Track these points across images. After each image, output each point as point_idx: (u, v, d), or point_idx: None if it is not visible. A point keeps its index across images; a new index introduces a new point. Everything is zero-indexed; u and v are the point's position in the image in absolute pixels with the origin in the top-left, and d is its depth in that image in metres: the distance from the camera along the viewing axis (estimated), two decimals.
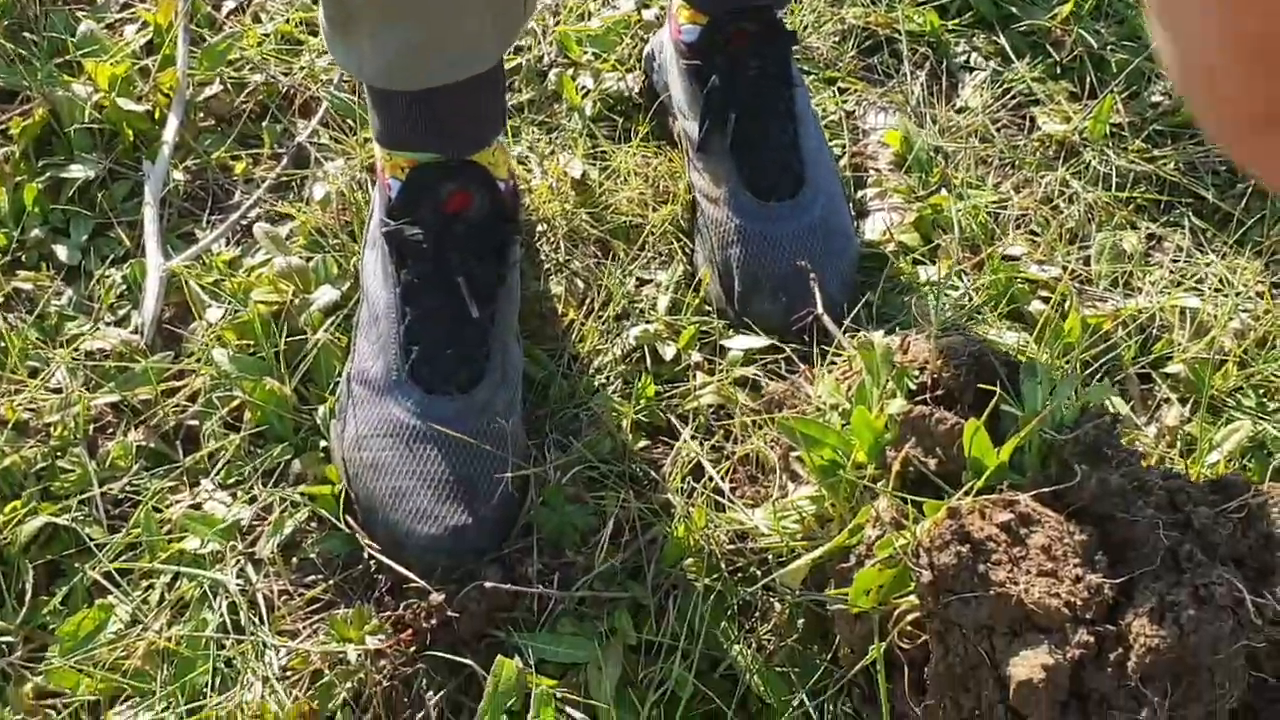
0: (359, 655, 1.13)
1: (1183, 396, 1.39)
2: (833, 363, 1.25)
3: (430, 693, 1.14)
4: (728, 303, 1.41)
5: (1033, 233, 1.54)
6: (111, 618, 1.17)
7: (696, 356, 1.39)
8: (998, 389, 1.07)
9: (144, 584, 1.21)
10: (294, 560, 1.22)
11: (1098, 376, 1.35)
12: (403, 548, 1.16)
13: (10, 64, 1.66)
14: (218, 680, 1.13)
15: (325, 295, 1.39)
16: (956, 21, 1.83)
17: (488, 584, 1.15)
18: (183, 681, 1.12)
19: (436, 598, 1.15)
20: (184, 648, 1.15)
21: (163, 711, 1.11)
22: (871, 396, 1.12)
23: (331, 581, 1.20)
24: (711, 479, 1.22)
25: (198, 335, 1.39)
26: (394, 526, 1.15)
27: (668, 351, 1.38)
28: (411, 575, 1.16)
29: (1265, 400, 1.40)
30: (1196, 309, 1.44)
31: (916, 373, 1.13)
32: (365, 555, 1.20)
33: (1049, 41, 1.82)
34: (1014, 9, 1.84)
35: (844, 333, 1.25)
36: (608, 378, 1.36)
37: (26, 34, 1.71)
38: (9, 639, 1.17)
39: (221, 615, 1.17)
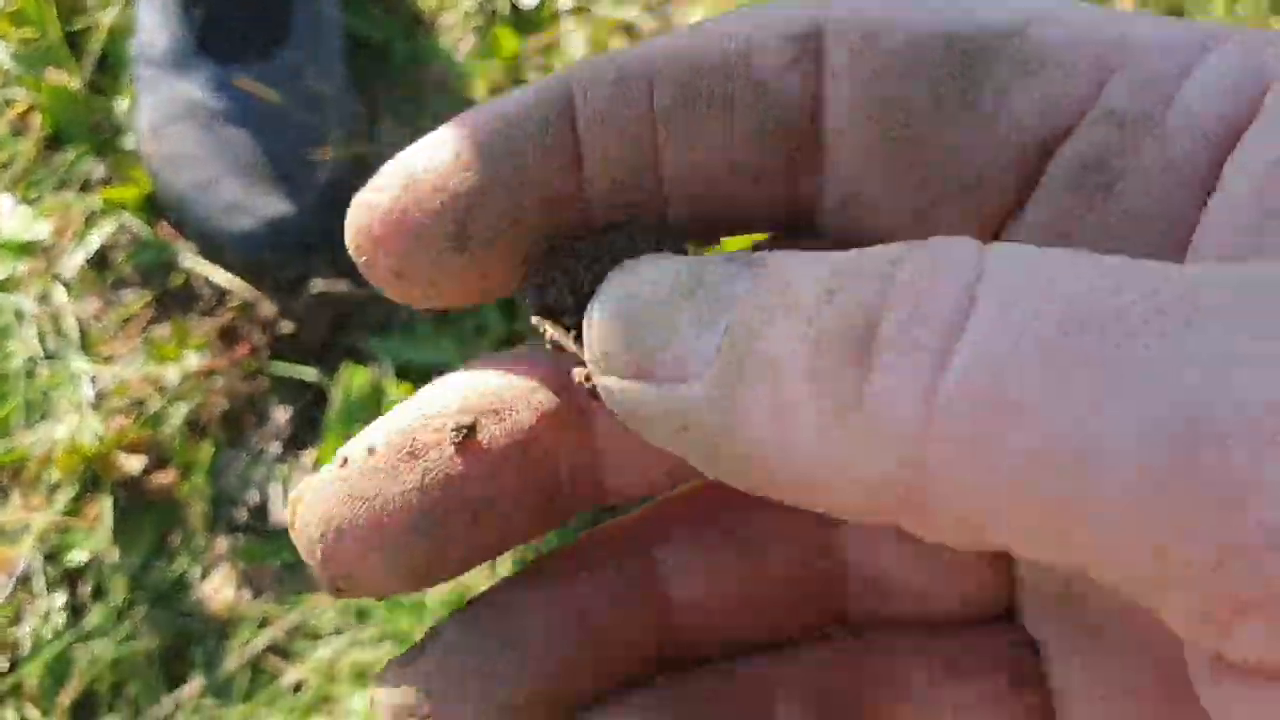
0: (185, 376, 0.99)
1: (1144, 0, 1.17)
2: None
3: (280, 409, 1.02)
4: None
5: None
6: None
7: (565, 1, 1.17)
8: None
9: None
10: (109, 277, 1.06)
11: None
12: (218, 248, 0.99)
13: None
14: (37, 416, 1.01)
15: None
16: None
17: (321, 285, 0.99)
18: None
19: (269, 307, 1.00)
20: None
21: None
22: None
23: (148, 297, 1.05)
24: None
25: None
26: (204, 224, 0.99)
27: None
28: (226, 284, 1.00)
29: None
30: None
31: None
32: (184, 264, 1.04)
33: None
34: None
35: None
36: (458, 35, 1.15)
37: None
38: None
39: (31, 344, 1.02)
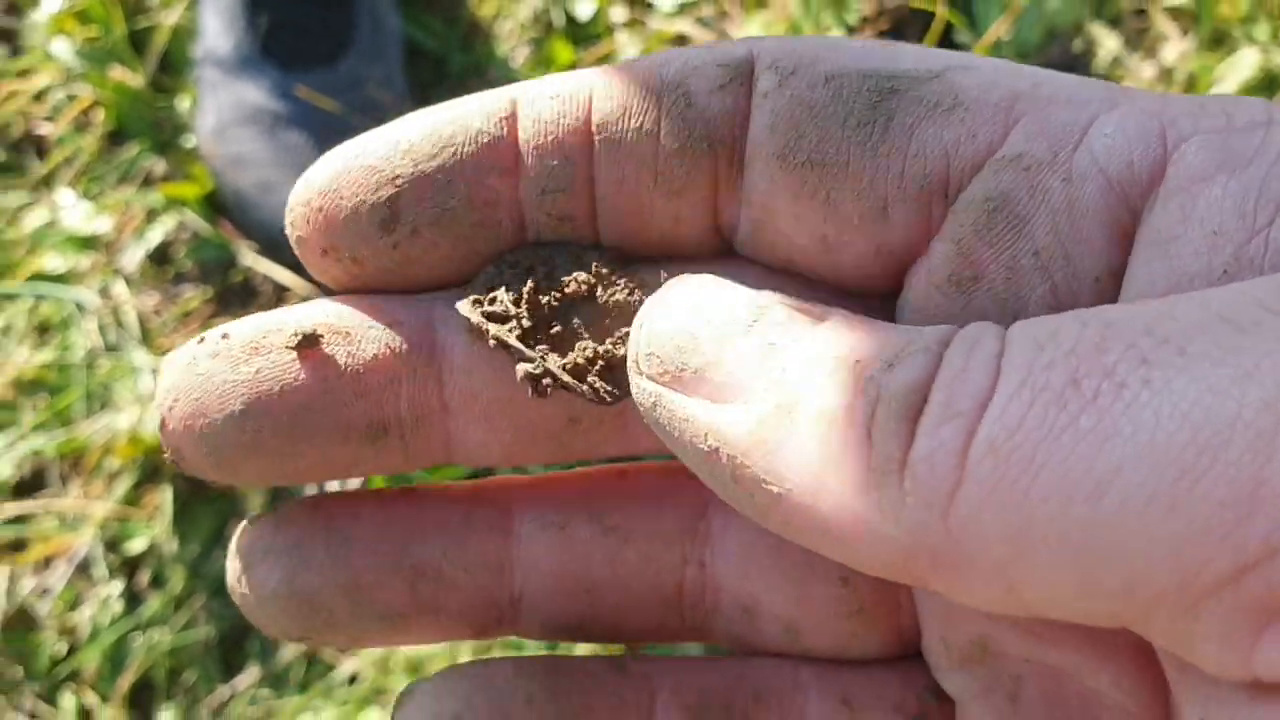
0: None
1: (1185, 28, 1.19)
2: (765, 3, 1.06)
3: None
4: None
5: None
6: None
7: (620, 14, 1.19)
8: (945, 10, 0.89)
9: (6, 309, 1.08)
10: (169, 272, 1.09)
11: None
12: (279, 248, 1.02)
13: None
14: (97, 406, 1.03)
15: None
16: None
17: None
18: (55, 409, 1.02)
19: None
20: (53, 374, 1.03)
21: (36, 441, 1.01)
22: (804, 34, 0.94)
23: (209, 293, 1.07)
24: None
25: (36, 27, 1.19)
26: (266, 225, 1.01)
27: (585, 9, 1.18)
28: (286, 281, 1.03)
29: None
30: None
31: (857, 4, 0.95)
32: (244, 261, 1.07)
33: None
34: None
35: None
36: (514, 45, 1.17)
37: None
38: None
39: (92, 336, 1.05)
